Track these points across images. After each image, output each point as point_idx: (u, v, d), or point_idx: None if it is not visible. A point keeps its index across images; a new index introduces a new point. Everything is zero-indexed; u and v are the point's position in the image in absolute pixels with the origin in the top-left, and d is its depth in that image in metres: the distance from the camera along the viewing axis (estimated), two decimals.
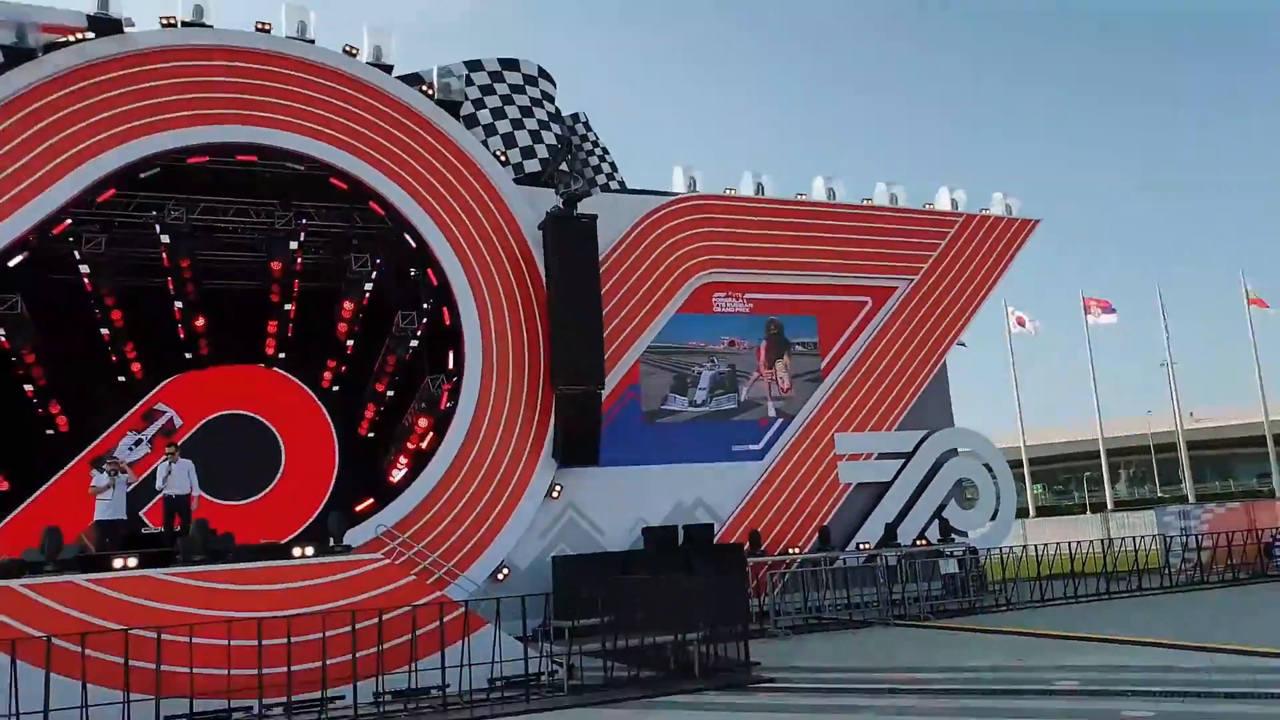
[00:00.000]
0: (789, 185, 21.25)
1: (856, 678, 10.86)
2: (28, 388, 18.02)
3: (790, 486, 19.44)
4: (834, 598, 17.22)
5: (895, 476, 20.43)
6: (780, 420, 19.97)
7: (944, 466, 20.87)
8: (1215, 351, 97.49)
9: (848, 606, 17.07)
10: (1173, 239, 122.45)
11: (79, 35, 15.11)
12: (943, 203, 22.71)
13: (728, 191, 20.47)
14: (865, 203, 21.88)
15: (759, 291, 20.28)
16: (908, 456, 20.65)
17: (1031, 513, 44.57)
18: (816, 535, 18.88)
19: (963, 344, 22.25)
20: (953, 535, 19.73)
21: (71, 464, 18.43)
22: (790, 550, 18.20)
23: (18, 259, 15.60)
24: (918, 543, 19.03)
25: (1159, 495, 52.85)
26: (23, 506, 17.91)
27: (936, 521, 20.09)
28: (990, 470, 21.66)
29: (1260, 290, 40.60)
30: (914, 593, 17.31)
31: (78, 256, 16.95)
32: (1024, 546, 19.93)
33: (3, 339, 16.91)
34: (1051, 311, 64.32)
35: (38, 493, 18.14)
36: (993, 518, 21.46)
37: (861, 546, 18.60)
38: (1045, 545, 19.38)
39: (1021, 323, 42.96)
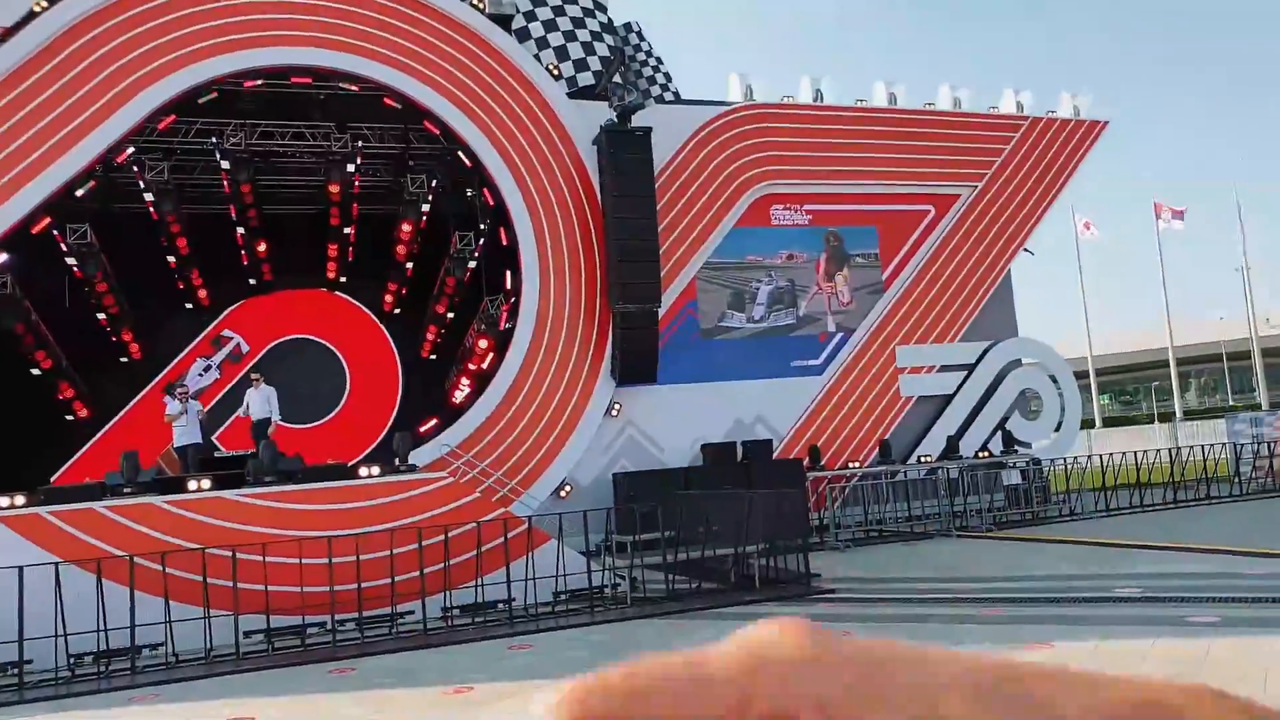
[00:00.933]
0: (849, 91, 20.57)
1: (917, 588, 10.87)
2: (100, 316, 18.55)
3: (850, 401, 19.26)
4: (895, 511, 17.19)
5: (958, 389, 20.07)
6: (840, 334, 19.67)
7: (1007, 378, 20.44)
8: None
9: (909, 519, 17.05)
10: (1249, 141, 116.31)
11: None
12: (1008, 105, 21.73)
13: (785, 100, 19.82)
14: (927, 107, 21.03)
15: (818, 202, 19.77)
16: (970, 368, 20.25)
17: (1098, 424, 43.67)
18: (877, 449, 18.73)
19: (1029, 251, 21.54)
20: (1016, 447, 19.46)
21: (145, 390, 19.09)
22: (850, 464, 18.15)
23: (84, 189, 15.88)
24: (980, 455, 18.81)
25: (1230, 404, 51.31)
26: (102, 432, 18.68)
27: (1000, 433, 19.80)
28: (1055, 381, 21.17)
29: None
30: (976, 505, 17.20)
31: (141, 185, 17.20)
32: (1089, 457, 19.56)
33: (75, 268, 17.37)
34: (1121, 218, 62.19)
35: (115, 419, 18.89)
36: (1057, 429, 21.06)
37: (923, 459, 18.45)
38: (1110, 455, 19.00)
39: (1088, 228, 41.50)
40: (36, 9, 14.41)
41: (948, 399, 20.01)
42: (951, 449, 18.93)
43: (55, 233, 16.30)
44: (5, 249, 14.63)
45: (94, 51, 14.62)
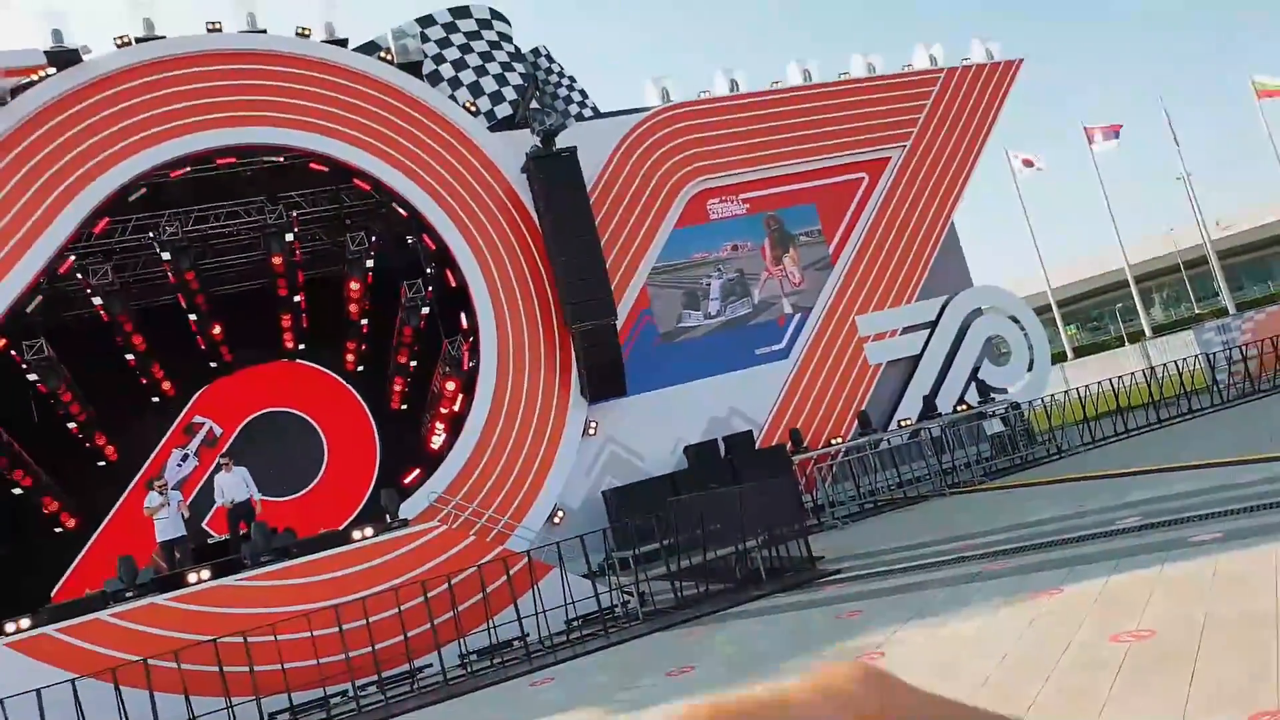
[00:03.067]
0: (763, 76, 20.83)
1: (919, 554, 11.01)
2: (71, 425, 18.47)
3: (821, 378, 19.51)
4: (885, 479, 17.38)
5: (924, 348, 20.39)
6: (798, 315, 19.92)
7: (971, 328, 20.77)
8: (1231, 157, 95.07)
9: (900, 485, 17.25)
10: (1170, 55, 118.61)
11: (41, 73, 14.96)
12: (921, 61, 22.12)
13: (703, 95, 20.07)
14: (842, 77, 21.37)
15: (753, 190, 20.02)
16: (933, 325, 20.57)
17: (1069, 355, 44.33)
18: (856, 421, 19.00)
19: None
20: (992, 395, 19.76)
21: (128, 490, 18.98)
22: (833, 441, 18.36)
23: (33, 305, 15.78)
24: (958, 409, 19.08)
25: (1197, 313, 52.26)
26: (93, 539, 18.61)
27: (974, 384, 20.11)
28: (1018, 322, 21.54)
29: (1272, 83, 39.28)
30: (964, 459, 17.42)
31: (89, 290, 17.12)
32: (1065, 391, 19.89)
33: (38, 383, 17.25)
34: (1056, 151, 62.93)
35: (104, 524, 18.78)
36: (1029, 369, 21.42)
37: (903, 423, 18.70)
38: (1087, 386, 19.33)
39: (1029, 164, 42.13)
40: None
41: (916, 359, 20.32)
42: (929, 408, 19.21)
43: (12, 352, 16.17)
44: None
45: (18, 170, 14.59)
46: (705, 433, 18.01)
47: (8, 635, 10.03)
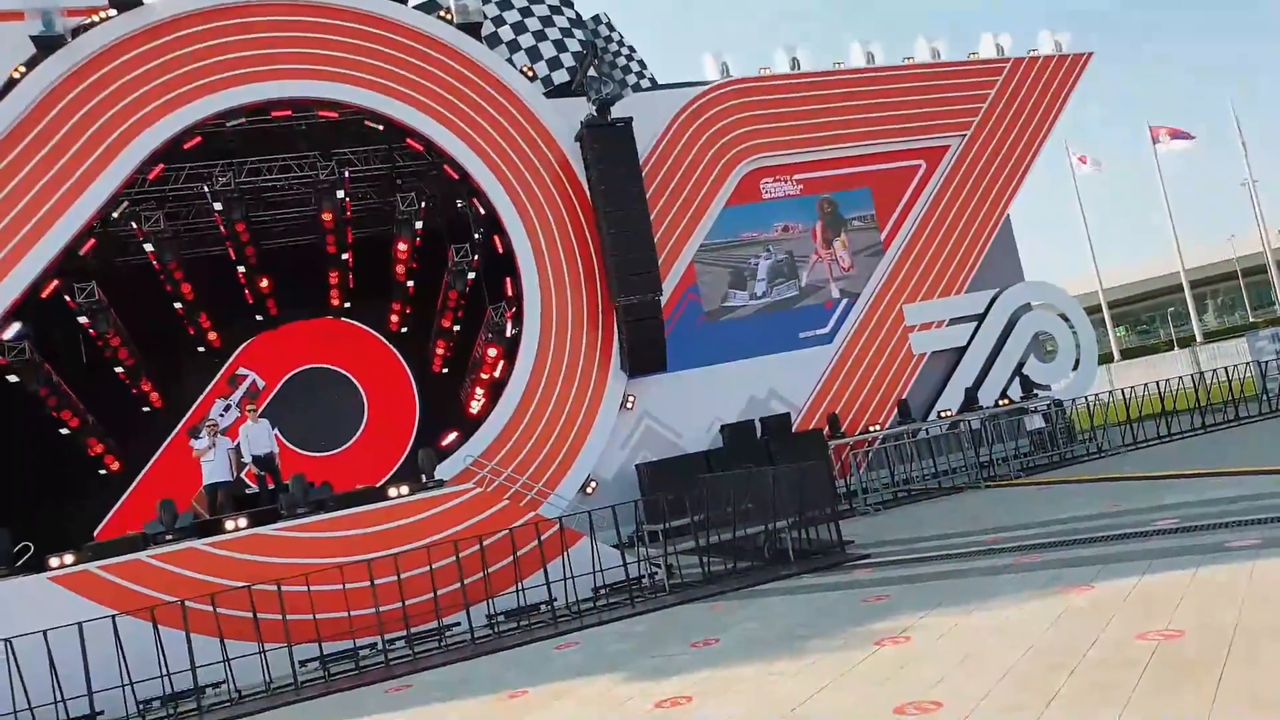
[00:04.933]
0: (825, 56, 20.52)
1: (951, 544, 10.93)
2: (118, 370, 18.86)
3: (863, 365, 19.33)
4: (921, 469, 17.24)
5: (970, 340, 20.13)
6: (845, 300, 19.73)
7: (1019, 323, 20.46)
8: None
9: (936, 475, 17.12)
10: (1242, 59, 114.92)
11: (102, 14, 15.14)
12: (987, 50, 21.68)
13: (762, 71, 19.83)
14: (906, 62, 20.98)
15: (807, 171, 19.79)
16: (980, 318, 20.29)
17: (1116, 357, 43.51)
18: (896, 409, 18.83)
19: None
20: (1035, 391, 19.50)
21: (171, 437, 19.39)
22: (871, 428, 18.23)
23: (86, 247, 16.07)
24: (1000, 403, 18.86)
25: (1251, 321, 50.98)
26: (136, 483, 19.07)
27: (1017, 379, 19.86)
28: (1067, 320, 21.19)
29: None
30: (1001, 453, 17.26)
31: (140, 236, 17.40)
32: (1110, 392, 19.56)
33: (88, 327, 17.60)
34: (1122, 149, 61.49)
35: (146, 468, 19.23)
36: (1075, 368, 21.09)
37: (943, 414, 18.52)
38: (1132, 388, 19.00)
39: (1084, 161, 41.28)
40: (15, 75, 14.55)
41: (961, 351, 20.07)
42: (971, 401, 19.00)
43: (65, 294, 16.51)
44: (17, 317, 14.82)
45: (77, 111, 14.77)
46: (743, 413, 17.95)
47: (52, 570, 10.30)
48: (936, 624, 7.16)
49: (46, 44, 14.73)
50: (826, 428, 17.89)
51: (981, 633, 6.68)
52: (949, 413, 18.55)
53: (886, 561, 10.56)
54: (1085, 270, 45.90)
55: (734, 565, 11.26)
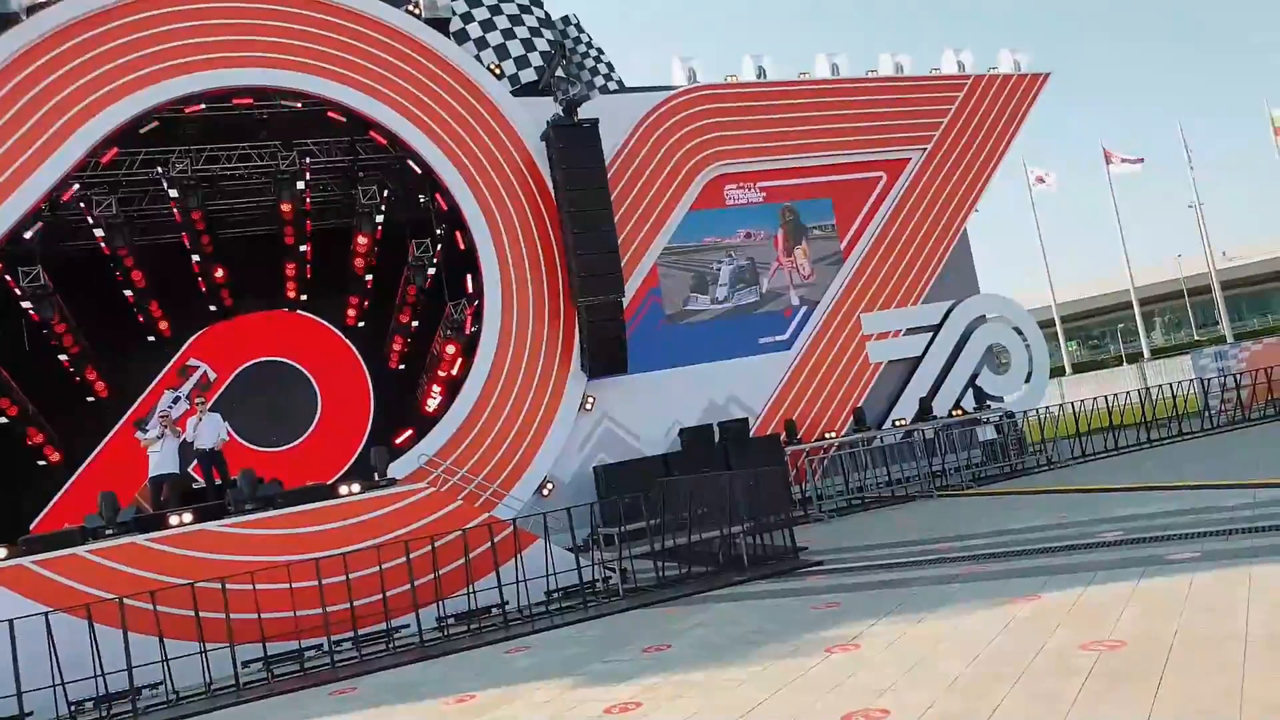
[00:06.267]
0: (791, 66, 20.71)
1: (903, 552, 11.06)
2: (62, 358, 18.34)
3: (821, 372, 19.48)
4: (875, 477, 17.44)
5: (925, 350, 20.38)
6: (805, 308, 19.86)
7: (973, 334, 20.77)
8: (1244, 192, 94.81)
9: (889, 484, 17.32)
10: (1193, 84, 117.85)
11: None
12: (949, 67, 22.01)
13: (729, 79, 19.91)
14: (870, 75, 21.21)
15: (771, 179, 19.91)
16: (936, 329, 20.56)
17: (1067, 370, 44.41)
18: (851, 417, 18.99)
19: (976, 209, 21.84)
20: (988, 402, 19.82)
21: (116, 428, 18.90)
22: (827, 435, 18.36)
23: (32, 230, 15.62)
24: (954, 413, 19.12)
25: (1195, 339, 52.32)
26: (76, 475, 18.52)
27: (971, 390, 20.16)
28: (1020, 333, 21.54)
29: None
30: (954, 463, 17.50)
31: (90, 221, 16.94)
32: (1060, 405, 19.95)
33: (31, 311, 17.09)
34: (1073, 168, 62.87)
35: (88, 460, 18.70)
36: (1027, 380, 21.44)
37: (898, 423, 18.73)
38: (1082, 401, 19.39)
39: (1042, 180, 42.10)
40: None
41: (917, 361, 20.31)
42: (925, 410, 19.23)
43: (7, 278, 16.02)
44: None
45: (31, 87, 14.36)
46: (702, 417, 17.99)
47: None
48: (886, 632, 7.22)
49: (1, 21, 14.30)
50: (783, 434, 17.99)
51: (930, 641, 6.75)
52: (903, 421, 18.76)
53: (839, 568, 10.64)
54: (1039, 285, 46.80)
55: (689, 570, 11.27)
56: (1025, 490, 15.09)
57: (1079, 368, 47.88)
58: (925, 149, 21.08)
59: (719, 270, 19.35)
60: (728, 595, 10.09)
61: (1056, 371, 37.01)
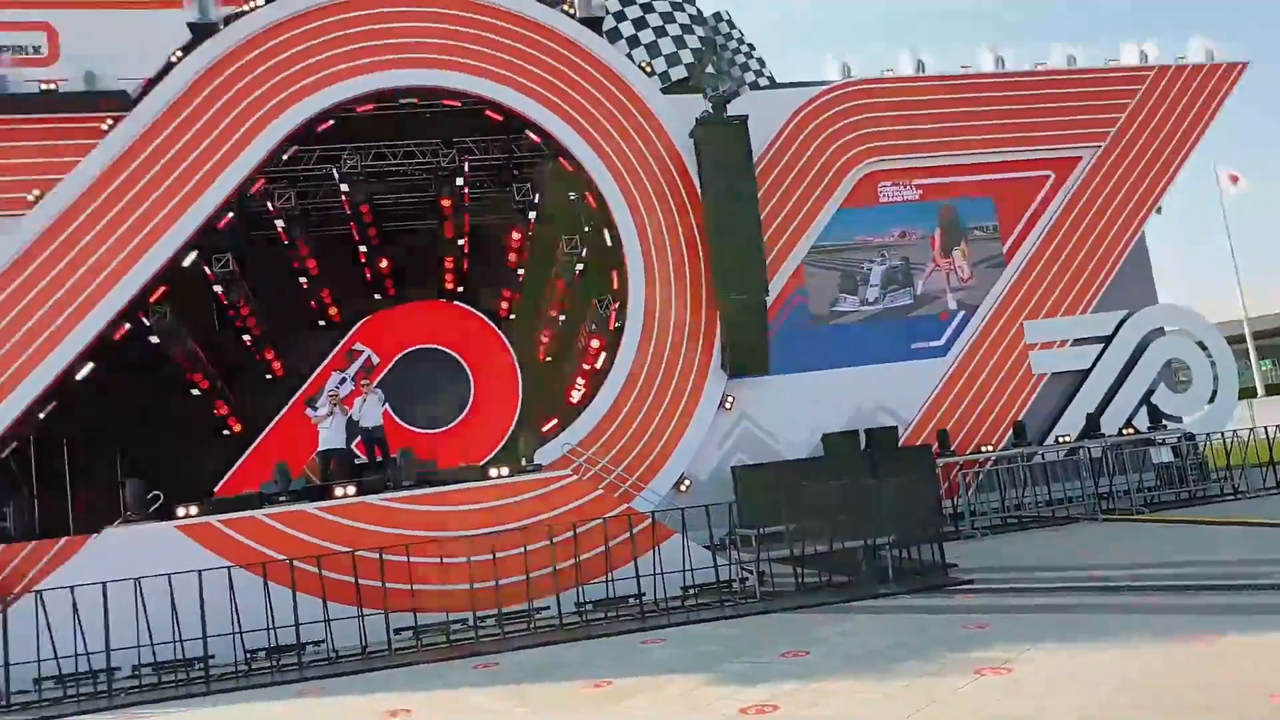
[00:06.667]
0: (952, 60, 19.86)
1: (1063, 576, 10.39)
2: (245, 338, 19.93)
3: (978, 381, 18.64)
4: (1033, 495, 16.50)
5: (1094, 363, 19.14)
6: (963, 312, 19.06)
7: (1149, 348, 19.35)
8: None
9: (1049, 503, 16.38)
10: None
11: (252, 3, 15.95)
12: (1130, 57, 20.57)
13: (885, 74, 19.34)
14: (1039, 68, 20.13)
15: (928, 176, 19.20)
16: (1107, 340, 19.28)
17: (1260, 392, 40.76)
18: (1010, 430, 18.08)
19: (1158, 210, 20.34)
20: (1165, 422, 18.38)
21: (289, 404, 20.32)
22: (983, 448, 17.51)
23: (225, 220, 16.94)
24: (1124, 432, 17.89)
25: None
26: (254, 445, 20.05)
27: (1145, 408, 18.77)
28: (1204, 348, 19.91)
29: None
30: (1123, 485, 16.35)
31: (272, 212, 18.23)
32: (1250, 429, 18.21)
33: (221, 295, 18.59)
34: (1267, 169, 57.53)
35: (265, 432, 20.23)
36: (1210, 400, 19.78)
37: (1061, 439, 17.65)
38: (1277, 426, 17.62)
39: (1235, 180, 38.87)
40: (173, 59, 15.50)
41: (1084, 374, 19.11)
42: (1092, 427, 18.05)
43: (203, 264, 17.44)
44: (162, 283, 15.75)
45: (225, 93, 15.63)
46: (847, 423, 17.50)
47: (179, 519, 10.95)
48: (1041, 658, 6.82)
49: (201, 30, 15.63)
50: (935, 444, 17.33)
51: (1090, 672, 6.32)
52: (1068, 438, 17.68)
53: (991, 588, 10.13)
54: (1229, 296, 43.29)
55: (829, 579, 11.03)
56: (1206, 520, 13.85)
57: (1273, 389, 43.89)
58: (1100, 146, 19.84)
59: (869, 270, 18.81)
60: (870, 607, 9.81)
61: (1247, 392, 34.01)
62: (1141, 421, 18.50)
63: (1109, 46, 21.36)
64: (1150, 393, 19.13)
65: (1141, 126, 20.03)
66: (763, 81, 20.60)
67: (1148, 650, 6.73)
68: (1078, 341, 19.23)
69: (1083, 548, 12.61)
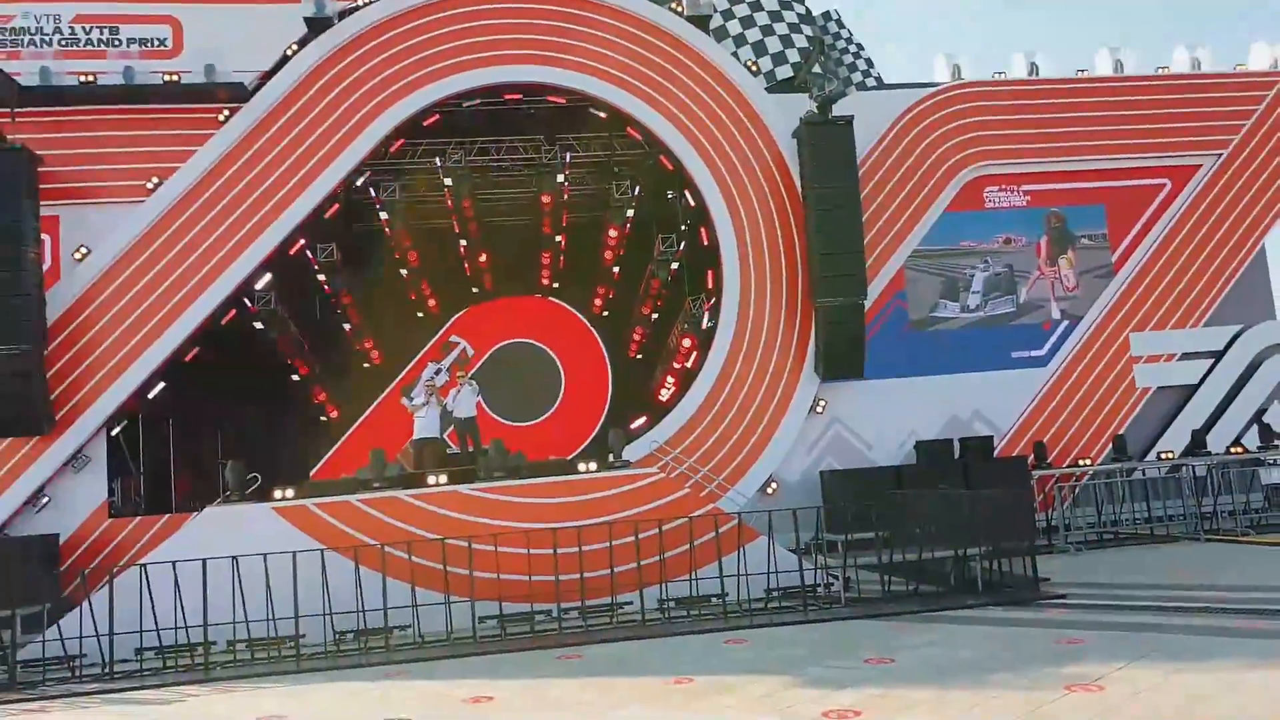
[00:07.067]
0: (1068, 63, 19.21)
1: (1161, 595, 10.04)
2: (346, 327, 20.57)
3: (1079, 393, 18.00)
4: (1132, 512, 15.94)
5: (1203, 378, 18.29)
6: (1066, 322, 18.44)
7: (1264, 365, 18.38)
8: None
9: (1149, 521, 15.78)
10: None
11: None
12: (1259, 61, 19.55)
13: (996, 76, 18.84)
14: (1160, 71, 19.32)
15: (1037, 182, 18.63)
16: (1218, 355, 18.40)
17: None
18: (1110, 445, 17.42)
19: None
20: (1276, 442, 17.48)
21: (385, 393, 20.95)
22: (1080, 462, 16.96)
23: (332, 210, 17.57)
24: (1232, 450, 17.06)
25: None
26: (350, 431, 20.73)
27: (1256, 426, 17.87)
28: None
29: None
30: (1228, 506, 15.63)
31: (377, 204, 18.80)
32: None
33: (324, 284, 19.25)
34: None
35: (361, 419, 20.90)
36: None
37: (1163, 456, 16.94)
38: None
39: None
40: (289, 52, 16.12)
41: (1191, 390, 18.29)
42: (1197, 444, 17.28)
43: (308, 253, 18.10)
44: (268, 270, 16.41)
45: (336, 86, 16.13)
46: (941, 430, 17.13)
47: (275, 501, 11.41)
48: (1136, 677, 6.61)
49: (317, 24, 16.21)
50: (1032, 456, 16.84)
51: (1188, 695, 6.09)
52: (1171, 455, 16.95)
53: (1085, 605, 9.84)
54: None
55: (916, 587, 10.86)
56: None
57: None
58: (1222, 154, 18.94)
59: (972, 277, 18.35)
60: (958, 618, 9.62)
61: None
62: (1251, 440, 17.62)
63: (1240, 49, 20.28)
64: (1262, 411, 18.21)
65: (1268, 134, 19.04)
66: (870, 82, 20.32)
67: (1252, 675, 6.47)
68: (1186, 356, 18.41)
69: (1183, 567, 12.16)
